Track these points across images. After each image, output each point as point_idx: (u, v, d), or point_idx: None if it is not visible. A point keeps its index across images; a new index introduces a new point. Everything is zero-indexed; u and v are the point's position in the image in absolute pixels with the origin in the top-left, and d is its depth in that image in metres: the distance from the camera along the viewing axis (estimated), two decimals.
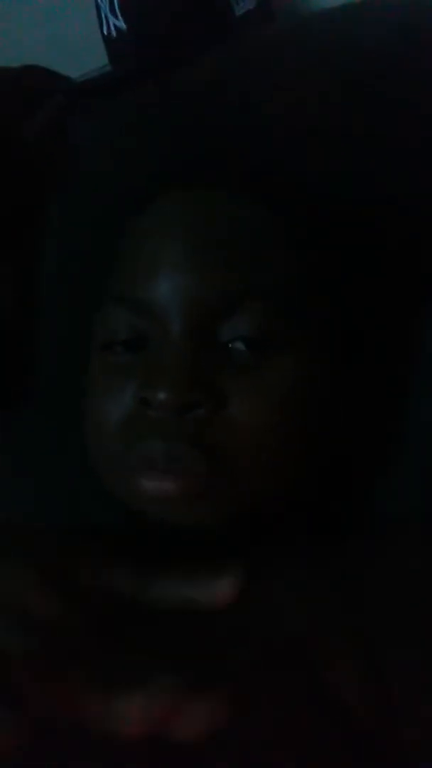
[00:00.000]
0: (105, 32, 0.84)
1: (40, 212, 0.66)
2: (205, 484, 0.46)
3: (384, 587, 0.43)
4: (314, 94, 0.62)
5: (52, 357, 0.64)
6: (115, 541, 0.45)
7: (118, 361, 0.50)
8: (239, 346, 0.48)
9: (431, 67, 0.61)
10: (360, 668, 0.40)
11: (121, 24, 0.82)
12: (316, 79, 0.62)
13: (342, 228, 0.53)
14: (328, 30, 0.68)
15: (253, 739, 0.37)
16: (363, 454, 0.52)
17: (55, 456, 0.62)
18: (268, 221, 0.50)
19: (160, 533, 0.48)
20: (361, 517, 0.51)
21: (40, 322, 0.65)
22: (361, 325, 0.52)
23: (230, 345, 0.48)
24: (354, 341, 0.52)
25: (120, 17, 0.82)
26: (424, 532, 0.48)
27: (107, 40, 0.85)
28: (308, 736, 0.38)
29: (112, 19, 0.83)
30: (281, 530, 0.48)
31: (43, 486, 0.62)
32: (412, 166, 0.58)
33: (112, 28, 0.83)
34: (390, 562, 0.46)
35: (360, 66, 0.62)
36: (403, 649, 0.41)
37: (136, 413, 0.48)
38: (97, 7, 0.85)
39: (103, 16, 0.84)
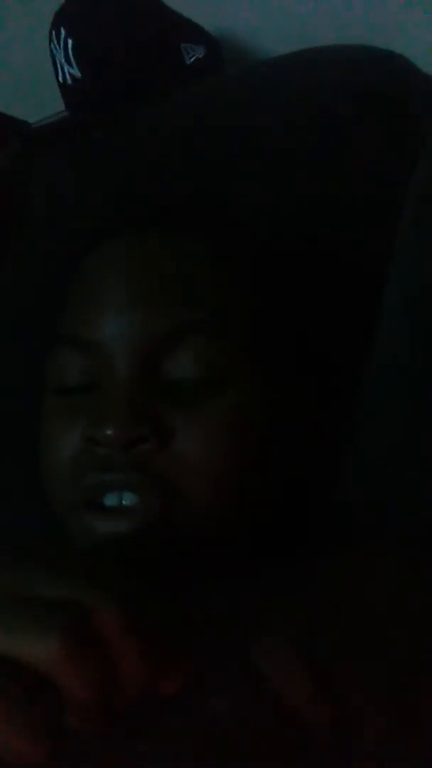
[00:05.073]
0: (60, 80, 0.87)
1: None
2: (158, 517, 0.46)
3: (337, 601, 0.44)
4: (258, 136, 0.65)
5: (6, 393, 0.64)
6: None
7: (67, 400, 0.50)
8: (183, 380, 0.48)
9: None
10: (310, 676, 0.40)
11: (76, 72, 0.84)
12: (259, 125, 0.65)
13: (282, 260, 0.55)
14: (274, 77, 0.71)
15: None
16: (315, 471, 0.54)
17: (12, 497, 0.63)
18: (210, 259, 0.52)
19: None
20: (316, 532, 0.52)
21: None
22: (309, 350, 0.54)
23: (175, 380, 0.48)
24: (303, 366, 0.53)
25: (75, 65, 0.84)
26: (379, 547, 0.49)
27: (63, 87, 0.87)
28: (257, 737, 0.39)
29: (67, 68, 0.85)
30: (238, 550, 0.48)
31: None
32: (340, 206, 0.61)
33: (67, 75, 0.85)
34: (346, 577, 0.47)
35: (303, 111, 0.65)
36: (356, 660, 0.41)
37: (84, 452, 0.48)
38: (52, 56, 0.87)
39: (58, 64, 0.86)
